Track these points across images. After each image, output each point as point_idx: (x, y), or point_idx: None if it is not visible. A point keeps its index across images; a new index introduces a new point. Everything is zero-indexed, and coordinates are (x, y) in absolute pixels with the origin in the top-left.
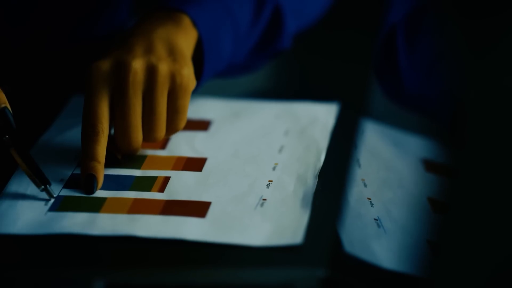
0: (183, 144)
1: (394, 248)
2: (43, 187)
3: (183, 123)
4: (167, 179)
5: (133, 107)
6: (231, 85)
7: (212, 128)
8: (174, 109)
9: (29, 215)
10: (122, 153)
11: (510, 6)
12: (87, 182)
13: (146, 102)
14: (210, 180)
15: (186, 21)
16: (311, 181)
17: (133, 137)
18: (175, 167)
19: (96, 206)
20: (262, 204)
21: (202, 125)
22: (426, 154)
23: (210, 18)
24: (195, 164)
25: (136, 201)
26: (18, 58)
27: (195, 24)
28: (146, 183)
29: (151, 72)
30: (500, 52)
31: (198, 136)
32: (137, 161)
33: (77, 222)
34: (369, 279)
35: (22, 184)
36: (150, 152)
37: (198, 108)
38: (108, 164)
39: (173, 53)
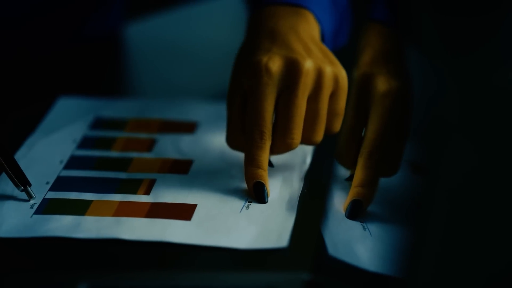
0: (169, 146)
1: (379, 251)
2: (22, 188)
3: (340, 126)
4: (152, 181)
5: (301, 109)
6: (218, 86)
7: (199, 131)
8: (334, 112)
9: (14, 218)
10: (276, 154)
11: (498, 6)
12: (257, 190)
13: (311, 104)
14: (196, 182)
15: (312, 18)
16: (296, 184)
17: (295, 139)
18: (161, 170)
19: (82, 209)
20: (247, 207)
21: (188, 127)
22: (413, 157)
23: (330, 16)
24: (181, 167)
25: (122, 204)
26: (5, 59)
27: (319, 21)
28: (131, 186)
29: (319, 75)
30: (488, 50)
31: (184, 139)
32: (123, 164)
33: (62, 225)
34: (354, 282)
35: (8, 187)
36: (136, 155)
37: (184, 110)
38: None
39: (326, 55)
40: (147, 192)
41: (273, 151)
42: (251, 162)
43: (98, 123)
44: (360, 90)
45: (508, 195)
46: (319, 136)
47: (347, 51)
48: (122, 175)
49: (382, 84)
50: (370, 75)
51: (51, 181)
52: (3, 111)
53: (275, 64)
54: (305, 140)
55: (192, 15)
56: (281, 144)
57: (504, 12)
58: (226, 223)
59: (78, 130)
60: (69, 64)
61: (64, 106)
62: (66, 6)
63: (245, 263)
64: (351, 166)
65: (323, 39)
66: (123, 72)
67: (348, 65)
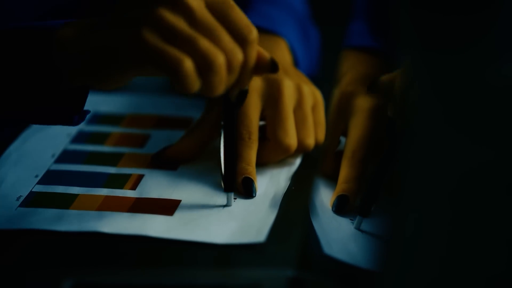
0: (161, 142)
1: (371, 248)
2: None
3: (324, 135)
4: (140, 177)
5: (290, 113)
6: None
7: None
8: (316, 122)
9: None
10: (274, 160)
11: (490, 3)
12: (246, 184)
13: (297, 113)
14: (183, 178)
15: (286, 46)
16: (283, 183)
17: (292, 139)
18: (150, 166)
19: (67, 202)
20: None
21: (183, 123)
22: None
23: (302, 45)
24: (171, 163)
25: (107, 198)
26: None
27: (292, 49)
28: (119, 181)
29: (298, 91)
30: (480, 48)
31: (178, 135)
32: (113, 158)
33: (44, 218)
34: (337, 278)
35: None
36: (128, 150)
37: (179, 106)
38: None
39: (300, 77)
40: (133, 187)
41: (270, 158)
42: (240, 159)
43: (95, 118)
44: (340, 106)
45: (507, 195)
46: (311, 138)
47: (325, 77)
48: (111, 170)
49: (361, 101)
50: (350, 93)
51: (41, 174)
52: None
53: (256, 82)
54: (299, 143)
55: None
56: (279, 148)
57: (497, 10)
58: (207, 219)
59: None
60: None
61: None
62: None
63: (229, 260)
64: (332, 172)
65: (295, 65)
66: None
67: (325, 88)
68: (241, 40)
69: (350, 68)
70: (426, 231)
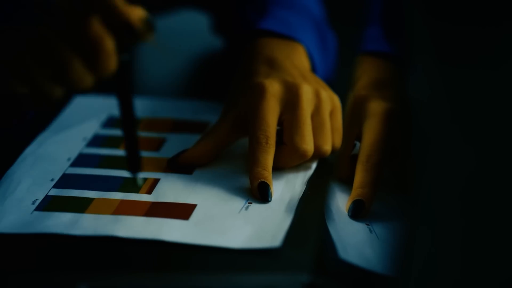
0: (177, 146)
1: (387, 253)
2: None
3: (340, 141)
4: (156, 181)
5: (308, 119)
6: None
7: None
8: (334, 128)
9: (14, 214)
10: (290, 165)
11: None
12: (262, 189)
13: (315, 118)
14: (199, 183)
15: (303, 51)
16: (299, 187)
17: (309, 145)
18: (166, 170)
19: (82, 206)
20: (247, 208)
21: (198, 127)
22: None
23: (319, 49)
24: (187, 167)
25: (123, 202)
26: None
27: (310, 54)
28: (134, 185)
29: (317, 96)
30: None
31: (193, 139)
32: None
33: (60, 222)
34: (353, 283)
35: (13, 183)
36: (143, 153)
37: (195, 110)
38: None
39: (318, 82)
40: (149, 191)
41: (287, 163)
42: (257, 164)
43: (111, 122)
44: (354, 110)
45: (508, 196)
46: (329, 144)
47: (340, 82)
48: (127, 174)
49: (374, 105)
50: (365, 97)
51: (56, 178)
52: (19, 108)
53: (274, 87)
54: (316, 149)
55: (206, 15)
56: (295, 153)
57: None
58: (223, 223)
59: (90, 128)
60: None
61: (79, 104)
62: None
63: (244, 264)
64: (347, 176)
65: (313, 71)
66: (139, 71)
67: (342, 92)
68: None
69: (364, 73)
70: (442, 235)
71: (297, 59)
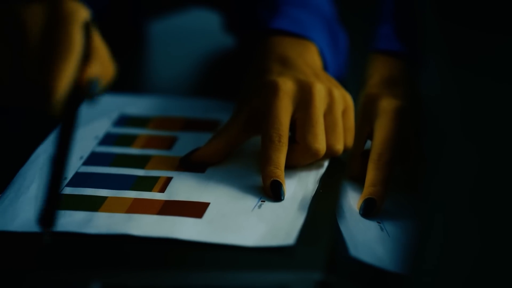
0: (189, 144)
1: (398, 251)
2: None
3: (352, 140)
4: (169, 179)
5: (320, 118)
6: (235, 85)
7: None
8: (346, 127)
9: (28, 212)
10: (302, 164)
11: None
12: (274, 188)
13: (327, 117)
14: (212, 181)
15: (315, 49)
16: (311, 185)
17: (321, 144)
18: (179, 168)
19: (96, 205)
20: (260, 206)
21: (210, 126)
22: None
23: (331, 48)
24: (199, 165)
25: (136, 200)
26: None
27: (322, 53)
28: (147, 183)
29: (329, 95)
30: None
31: (205, 137)
32: (141, 161)
33: (73, 221)
34: (364, 281)
35: (26, 181)
36: (155, 152)
37: (207, 108)
38: None
39: (331, 80)
40: (162, 190)
41: (299, 161)
42: (269, 162)
43: (122, 120)
44: (366, 108)
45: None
46: (341, 143)
47: (351, 80)
48: (140, 172)
49: (386, 103)
50: (376, 95)
51: (69, 177)
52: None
53: (287, 85)
54: (328, 148)
55: (216, 14)
56: (307, 152)
57: None
58: (236, 222)
59: (102, 127)
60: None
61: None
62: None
63: (257, 262)
64: (358, 175)
65: (325, 69)
66: (150, 69)
67: (353, 91)
68: None
69: (376, 71)
70: (454, 232)
71: (310, 57)
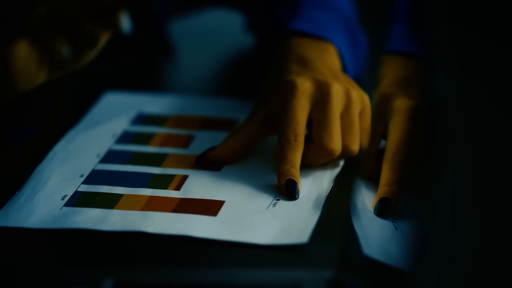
0: (206, 143)
1: (412, 250)
2: None
3: (367, 141)
4: (184, 177)
5: (337, 118)
6: (254, 85)
7: None
8: (362, 128)
9: (44, 210)
10: (317, 163)
11: None
12: (289, 186)
13: (344, 118)
14: (227, 179)
15: (335, 51)
16: (326, 184)
17: (337, 144)
18: (195, 166)
19: (111, 202)
20: (274, 205)
21: (227, 125)
22: None
23: (350, 50)
24: (215, 164)
25: (151, 198)
26: None
27: (341, 54)
28: (163, 181)
29: (347, 95)
30: None
31: (222, 136)
32: (158, 159)
33: (89, 218)
34: (377, 279)
35: (43, 178)
36: (172, 150)
37: (224, 107)
38: None
39: (349, 81)
40: (177, 188)
41: (314, 161)
42: (285, 161)
43: (140, 119)
44: (380, 108)
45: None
46: (356, 144)
47: (365, 80)
48: (156, 170)
49: (400, 103)
50: (389, 95)
51: (86, 174)
52: (51, 102)
53: (305, 85)
54: (344, 149)
55: (237, 14)
56: (323, 152)
57: None
58: (250, 220)
59: (120, 125)
60: (120, 59)
61: (109, 101)
62: None
63: (268, 260)
64: (373, 174)
65: (344, 71)
66: (170, 69)
67: (367, 90)
68: None
69: (389, 71)
70: (462, 232)
71: (329, 59)
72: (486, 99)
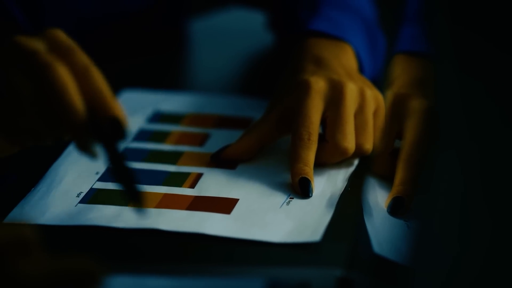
0: (221, 141)
1: (419, 247)
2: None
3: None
4: (199, 175)
5: (351, 117)
6: (270, 84)
7: None
8: (377, 128)
9: (59, 206)
10: (331, 161)
11: None
12: (302, 185)
13: (358, 117)
14: (242, 178)
15: (351, 51)
16: (340, 183)
17: (350, 143)
18: (210, 164)
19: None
20: (288, 203)
21: (242, 123)
22: None
23: (367, 50)
24: (230, 162)
25: (166, 196)
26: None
27: (358, 55)
28: (178, 179)
29: (361, 95)
30: None
31: (237, 135)
32: (173, 157)
33: (103, 215)
34: (386, 278)
35: (58, 176)
36: (188, 148)
37: (240, 106)
38: None
39: (365, 81)
40: (192, 186)
41: (327, 160)
42: (298, 160)
43: (157, 117)
44: (395, 108)
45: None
46: (370, 143)
47: (380, 80)
48: (171, 168)
49: (416, 103)
50: (404, 96)
51: (101, 171)
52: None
53: (319, 84)
54: (357, 148)
55: (257, 14)
56: (336, 151)
57: None
58: (264, 218)
59: (136, 123)
60: (137, 58)
61: (126, 99)
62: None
63: (278, 258)
64: (386, 174)
65: (360, 72)
66: (189, 68)
67: (382, 91)
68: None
69: (403, 72)
70: (468, 234)
71: (345, 59)
72: (487, 100)
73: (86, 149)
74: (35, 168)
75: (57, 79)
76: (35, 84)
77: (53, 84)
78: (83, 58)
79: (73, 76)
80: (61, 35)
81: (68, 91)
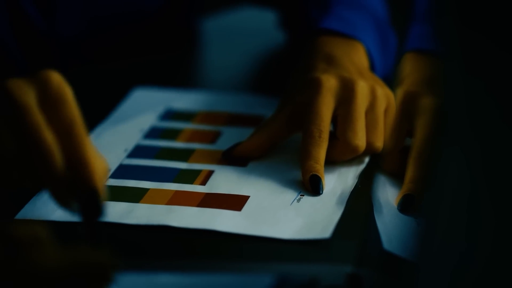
0: (232, 139)
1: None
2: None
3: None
4: (210, 172)
5: (362, 115)
6: (281, 82)
7: None
8: (387, 125)
9: None
10: (341, 159)
11: None
12: (313, 182)
13: (368, 115)
14: (253, 175)
15: (363, 50)
16: (351, 181)
17: (361, 141)
18: (221, 162)
19: (137, 196)
20: (299, 200)
21: (254, 121)
22: None
23: (379, 49)
24: (241, 159)
25: (177, 193)
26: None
27: (369, 53)
28: (189, 176)
29: (372, 93)
30: None
31: (249, 132)
32: (185, 154)
33: (115, 212)
34: (396, 274)
35: None
36: (199, 146)
37: (251, 104)
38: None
39: (376, 80)
40: (203, 183)
41: (338, 157)
42: (309, 157)
43: (168, 114)
44: (405, 106)
45: None
46: (381, 141)
47: (389, 78)
48: (182, 165)
49: (427, 101)
50: (415, 94)
51: (113, 168)
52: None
53: (330, 82)
54: (368, 145)
55: (268, 12)
56: (347, 148)
57: None
58: (275, 215)
59: (147, 120)
60: (149, 56)
61: (138, 96)
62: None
63: (287, 254)
64: (395, 171)
65: (372, 70)
66: (201, 66)
67: (393, 89)
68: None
69: (413, 71)
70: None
71: (356, 57)
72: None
73: (64, 205)
74: None
75: (41, 144)
76: (19, 142)
77: (36, 147)
78: (70, 112)
79: (56, 136)
80: (55, 80)
81: (50, 157)
